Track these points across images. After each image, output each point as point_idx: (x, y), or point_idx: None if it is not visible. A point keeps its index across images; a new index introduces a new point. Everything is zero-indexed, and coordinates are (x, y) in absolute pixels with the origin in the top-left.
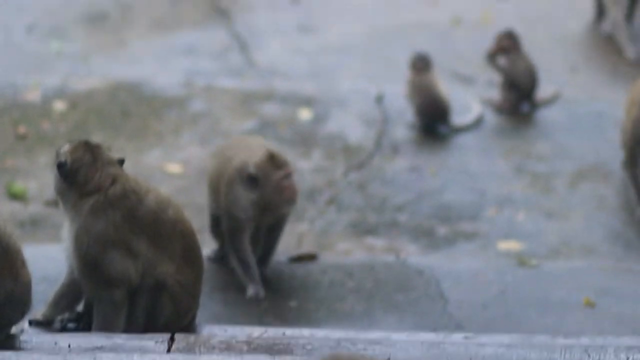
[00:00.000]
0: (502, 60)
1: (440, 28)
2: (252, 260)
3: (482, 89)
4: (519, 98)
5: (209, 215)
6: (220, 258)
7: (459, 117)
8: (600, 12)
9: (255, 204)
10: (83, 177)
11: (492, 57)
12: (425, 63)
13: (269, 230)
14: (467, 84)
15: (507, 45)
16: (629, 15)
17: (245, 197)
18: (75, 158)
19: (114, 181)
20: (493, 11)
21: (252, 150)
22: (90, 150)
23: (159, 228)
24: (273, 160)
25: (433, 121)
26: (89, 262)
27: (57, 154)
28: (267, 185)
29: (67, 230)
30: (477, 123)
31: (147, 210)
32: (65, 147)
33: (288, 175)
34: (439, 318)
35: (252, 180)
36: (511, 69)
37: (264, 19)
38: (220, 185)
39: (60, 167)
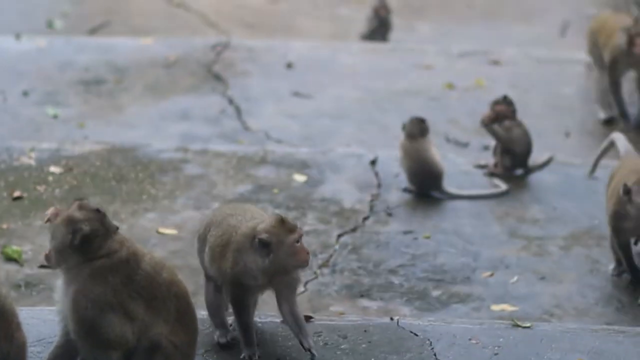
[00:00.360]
0: (497, 127)
1: (434, 93)
2: (252, 324)
3: (476, 153)
4: (514, 164)
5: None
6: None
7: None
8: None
9: (266, 270)
10: (96, 245)
11: (487, 124)
12: (419, 128)
13: (282, 304)
14: (461, 148)
15: (503, 112)
16: None
17: (255, 264)
18: (93, 228)
19: (120, 247)
20: (486, 76)
21: (256, 217)
22: (100, 219)
23: (154, 291)
24: (284, 225)
25: (425, 186)
26: (87, 324)
27: (71, 220)
28: (279, 250)
29: (62, 292)
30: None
31: (144, 273)
32: (77, 214)
33: (299, 238)
34: None
35: (264, 246)
36: (507, 136)
37: (258, 84)
38: (226, 254)
39: (79, 234)
